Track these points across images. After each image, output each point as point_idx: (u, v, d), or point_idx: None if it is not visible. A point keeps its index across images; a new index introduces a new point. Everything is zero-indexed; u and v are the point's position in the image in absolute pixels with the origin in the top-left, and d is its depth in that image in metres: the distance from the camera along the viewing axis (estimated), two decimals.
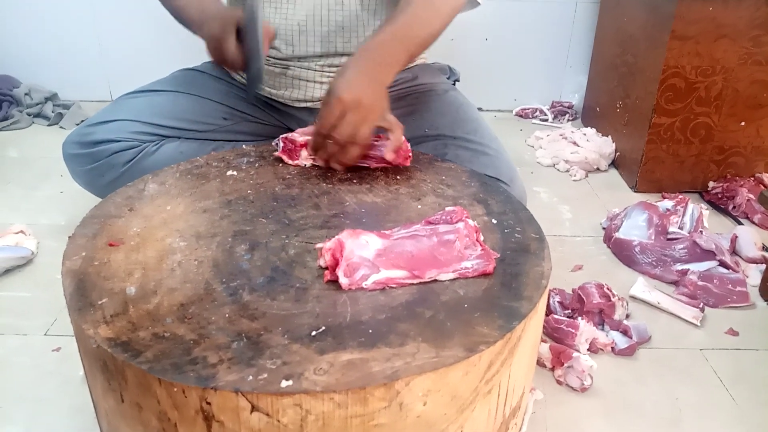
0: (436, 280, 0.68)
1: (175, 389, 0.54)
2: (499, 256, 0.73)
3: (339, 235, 0.69)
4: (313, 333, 0.60)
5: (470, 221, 0.73)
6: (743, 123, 1.37)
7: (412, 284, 0.67)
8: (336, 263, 0.67)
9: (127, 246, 0.73)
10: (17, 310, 1.01)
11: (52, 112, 1.76)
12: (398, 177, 0.91)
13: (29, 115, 1.74)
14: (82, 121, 1.77)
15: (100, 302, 0.63)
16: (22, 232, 1.15)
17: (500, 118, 1.94)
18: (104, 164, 1.12)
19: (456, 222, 0.73)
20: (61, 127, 1.73)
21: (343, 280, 0.66)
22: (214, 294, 0.65)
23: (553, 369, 0.90)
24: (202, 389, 0.53)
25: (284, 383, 0.54)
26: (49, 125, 1.74)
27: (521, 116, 1.94)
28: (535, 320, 0.67)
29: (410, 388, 0.56)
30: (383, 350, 0.58)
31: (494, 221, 0.81)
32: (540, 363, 0.91)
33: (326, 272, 0.67)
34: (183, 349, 0.57)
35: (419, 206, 0.84)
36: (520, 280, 0.69)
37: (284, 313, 0.62)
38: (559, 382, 0.89)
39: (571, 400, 0.87)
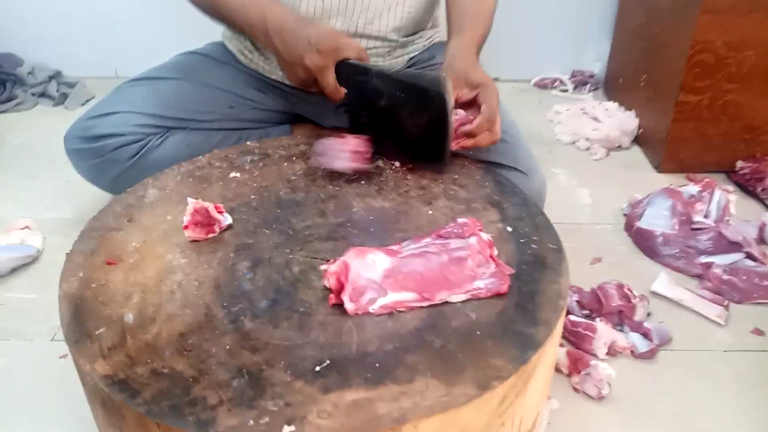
0: (446, 302, 0.65)
1: None
2: (513, 272, 0.69)
3: (344, 255, 0.65)
4: (317, 368, 0.57)
5: (483, 235, 0.70)
6: None
7: (422, 307, 0.64)
8: (341, 287, 0.64)
9: (126, 264, 0.70)
10: (23, 313, 1.00)
11: (57, 91, 1.72)
12: (408, 177, 0.87)
13: (33, 95, 1.71)
14: (87, 101, 1.74)
15: (97, 332, 0.61)
16: (27, 227, 1.14)
17: (518, 89, 1.86)
18: (108, 160, 1.09)
19: (468, 236, 0.69)
20: (65, 108, 1.70)
21: (349, 306, 0.63)
22: (215, 321, 0.62)
23: (569, 375, 0.88)
24: None
25: (287, 429, 0.51)
26: (54, 105, 1.71)
27: (540, 87, 1.86)
28: (551, 345, 0.64)
29: (418, 430, 0.53)
30: (390, 388, 0.55)
31: (509, 229, 0.76)
32: (556, 369, 0.88)
33: (331, 296, 0.64)
34: (182, 388, 0.55)
35: (430, 212, 0.80)
36: (536, 300, 0.65)
37: (287, 343, 0.60)
38: (575, 390, 0.86)
39: (587, 408, 0.84)
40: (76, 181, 1.15)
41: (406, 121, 0.86)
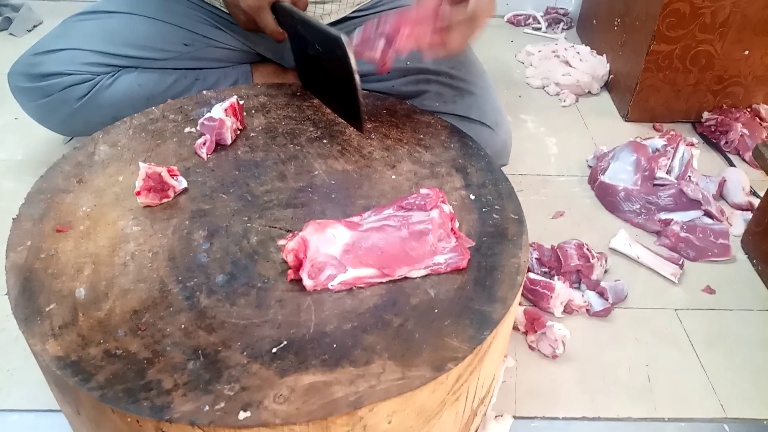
0: (406, 278, 0.65)
1: (129, 419, 0.52)
2: (474, 244, 0.69)
3: (303, 230, 0.64)
4: (274, 349, 0.57)
5: (445, 207, 0.69)
6: (747, 51, 1.28)
7: (381, 283, 0.64)
8: (300, 264, 0.63)
9: (77, 231, 0.68)
10: None
11: (0, 15, 1.60)
12: (373, 136, 0.84)
13: None
14: (35, 26, 1.62)
15: (48, 309, 0.59)
16: None
17: (490, 24, 1.78)
18: (56, 99, 1.03)
19: (430, 209, 0.68)
20: (11, 34, 1.58)
21: (308, 282, 0.62)
22: (170, 297, 0.61)
23: (526, 333, 0.90)
24: (157, 421, 0.51)
25: (242, 414, 0.52)
26: None
27: (513, 23, 1.80)
28: (508, 321, 0.65)
29: (374, 413, 0.54)
30: (347, 370, 0.55)
31: (472, 196, 0.76)
32: (513, 327, 0.91)
33: (289, 271, 0.63)
34: (136, 371, 0.55)
35: (393, 176, 0.78)
36: (495, 276, 0.66)
37: (244, 322, 0.59)
38: (531, 348, 0.89)
39: (542, 366, 0.87)
40: (26, 117, 1.09)
41: (329, 74, 0.82)
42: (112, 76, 1.05)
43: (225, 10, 1.07)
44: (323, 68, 0.83)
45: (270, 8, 0.83)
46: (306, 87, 0.93)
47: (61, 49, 1.03)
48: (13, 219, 0.69)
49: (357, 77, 0.75)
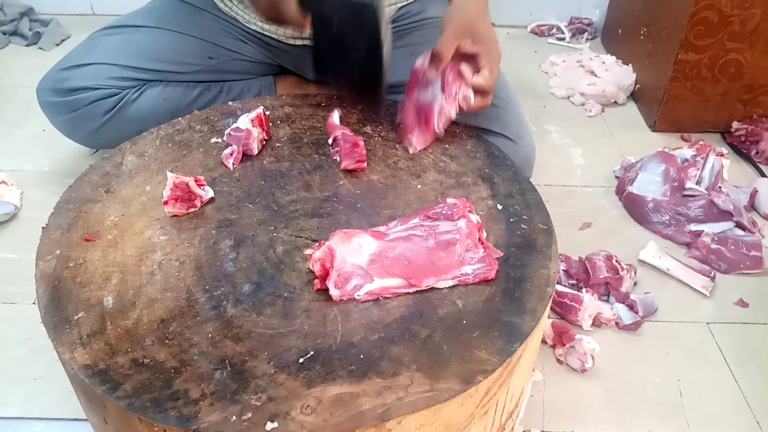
0: (433, 288, 0.64)
1: (156, 429, 0.52)
2: (502, 254, 0.68)
3: (330, 240, 0.63)
4: (301, 360, 0.56)
5: (473, 217, 0.68)
6: None
7: (408, 293, 0.63)
8: (326, 273, 0.62)
9: (104, 241, 0.68)
10: (5, 275, 0.98)
11: (30, 29, 1.63)
12: (397, 146, 0.84)
13: (4, 33, 1.62)
14: (63, 40, 1.66)
15: (76, 317, 0.60)
16: (4, 182, 1.10)
17: (514, 35, 1.79)
18: (83, 114, 1.05)
19: (457, 219, 0.67)
20: (40, 48, 1.62)
21: (334, 292, 0.62)
22: (197, 307, 0.61)
23: (554, 347, 0.88)
24: (184, 431, 0.51)
25: (269, 425, 0.51)
26: (27, 45, 1.62)
27: (536, 34, 1.79)
28: (537, 334, 0.64)
29: (402, 425, 0.53)
30: (374, 381, 0.55)
31: (499, 206, 0.75)
32: (541, 340, 0.89)
33: (316, 281, 0.63)
34: (163, 380, 0.54)
35: (419, 186, 0.78)
36: (524, 287, 0.64)
37: (271, 332, 0.59)
38: (559, 361, 0.87)
39: (571, 381, 0.85)
40: (53, 129, 1.10)
41: (349, 50, 0.81)
42: (138, 90, 1.06)
43: (246, 25, 1.08)
44: (344, 47, 0.82)
45: None
46: (319, 75, 0.92)
47: (88, 64, 1.05)
48: (42, 228, 0.70)
49: (385, 43, 0.75)
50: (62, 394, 0.82)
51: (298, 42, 1.08)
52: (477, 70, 0.82)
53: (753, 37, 1.23)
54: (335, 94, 0.95)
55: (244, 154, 0.81)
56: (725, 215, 1.06)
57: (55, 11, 1.74)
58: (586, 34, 1.75)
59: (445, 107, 0.81)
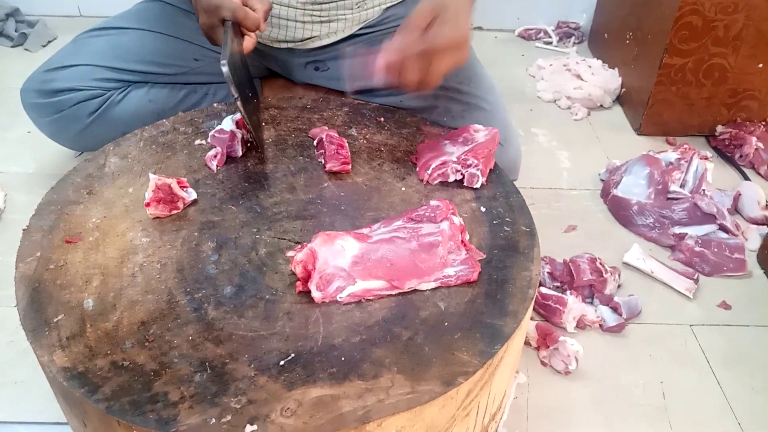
0: (416, 290, 0.64)
1: (135, 431, 0.51)
2: (485, 256, 0.68)
3: (312, 242, 0.63)
4: (282, 362, 0.56)
5: (456, 219, 0.68)
6: (761, 65, 1.27)
7: (390, 295, 0.63)
8: (308, 275, 0.62)
9: (86, 243, 0.68)
10: None
11: (15, 30, 1.62)
12: (382, 149, 0.84)
13: None
14: (50, 42, 1.65)
15: (55, 320, 0.59)
16: None
17: (501, 39, 1.80)
18: (67, 115, 1.04)
19: (440, 221, 0.67)
20: (26, 50, 1.60)
21: (316, 294, 0.62)
22: (178, 309, 0.61)
23: (538, 349, 0.88)
24: None
25: (249, 428, 0.51)
26: (12, 46, 1.61)
27: (524, 38, 1.80)
28: (519, 336, 0.64)
29: (383, 428, 0.53)
30: (355, 384, 0.55)
31: (483, 209, 0.75)
32: (525, 342, 0.89)
33: (298, 283, 0.63)
34: (143, 383, 0.54)
35: (403, 188, 0.78)
36: (506, 289, 0.65)
37: (252, 335, 0.59)
38: (543, 363, 0.87)
39: (555, 383, 0.86)
40: (38, 131, 1.10)
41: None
42: (123, 91, 1.06)
43: None
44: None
45: (222, 25, 0.81)
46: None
47: (73, 65, 1.04)
48: (24, 230, 0.69)
49: (239, 104, 0.75)
50: (46, 398, 0.81)
51: (283, 45, 1.08)
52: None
53: (736, 42, 1.24)
54: (321, 97, 0.95)
55: (228, 156, 0.80)
56: (709, 218, 1.07)
57: (42, 12, 1.72)
58: (573, 38, 1.76)
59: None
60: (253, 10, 0.82)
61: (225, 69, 0.72)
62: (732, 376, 0.88)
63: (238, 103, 0.75)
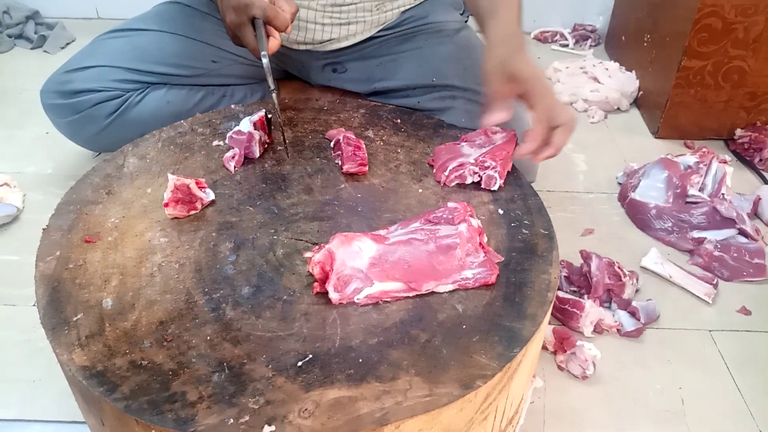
0: (433, 292, 0.63)
1: (153, 431, 0.52)
2: (503, 259, 0.67)
3: (330, 243, 0.63)
4: (300, 363, 0.56)
5: (473, 221, 0.67)
6: None
7: (408, 297, 0.63)
8: (326, 276, 0.62)
9: (105, 243, 0.68)
10: (5, 276, 0.98)
11: (35, 32, 1.64)
12: (399, 150, 0.84)
13: (10, 36, 1.63)
14: (68, 44, 1.66)
15: (75, 319, 0.59)
16: (6, 184, 1.10)
17: None
18: (86, 116, 1.05)
19: (458, 223, 0.67)
20: (45, 52, 1.62)
21: (333, 296, 0.61)
22: (196, 309, 0.61)
23: (555, 353, 0.88)
24: None
25: (267, 429, 0.51)
26: (32, 48, 1.63)
27: (540, 40, 1.79)
28: (538, 339, 0.63)
29: (401, 430, 0.53)
30: (373, 386, 0.54)
31: (500, 211, 0.74)
32: (542, 346, 0.88)
33: (315, 284, 0.63)
34: (161, 382, 0.54)
35: (420, 190, 0.77)
36: (524, 292, 0.64)
37: (269, 335, 0.59)
38: (560, 368, 0.86)
39: (571, 387, 0.85)
40: (56, 132, 1.11)
41: None
42: (141, 92, 1.06)
43: None
44: None
45: (251, 24, 0.80)
46: None
47: (91, 66, 1.05)
48: (43, 230, 0.70)
49: (274, 96, 0.77)
50: (61, 396, 0.82)
51: (302, 47, 1.08)
52: (530, 107, 0.79)
53: (756, 45, 1.23)
54: (337, 99, 0.95)
55: (245, 157, 0.81)
56: (728, 222, 1.05)
57: (61, 15, 1.74)
58: (589, 40, 1.75)
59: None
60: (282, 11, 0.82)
61: (265, 60, 0.74)
62: (752, 382, 0.87)
63: (274, 95, 0.76)
